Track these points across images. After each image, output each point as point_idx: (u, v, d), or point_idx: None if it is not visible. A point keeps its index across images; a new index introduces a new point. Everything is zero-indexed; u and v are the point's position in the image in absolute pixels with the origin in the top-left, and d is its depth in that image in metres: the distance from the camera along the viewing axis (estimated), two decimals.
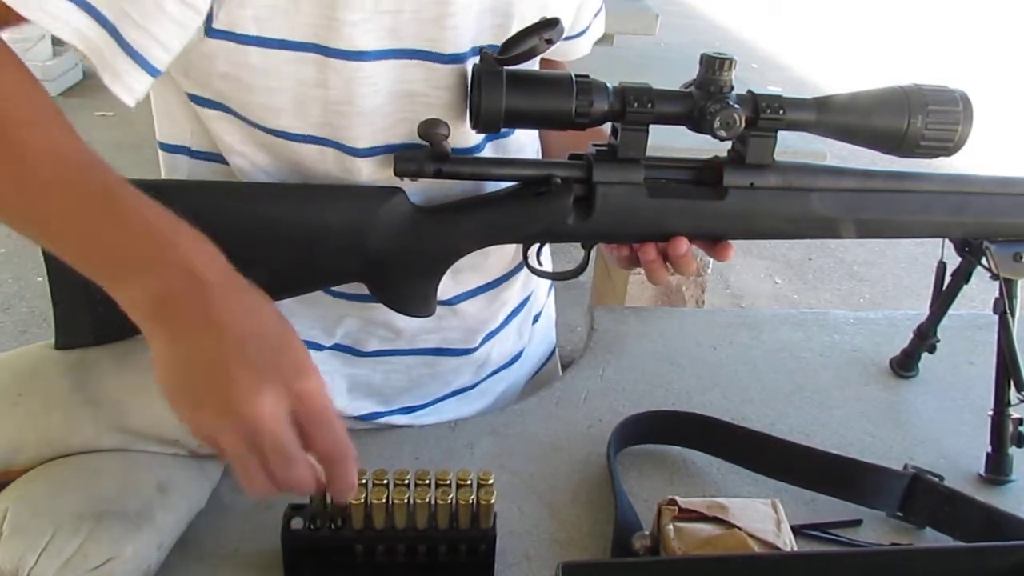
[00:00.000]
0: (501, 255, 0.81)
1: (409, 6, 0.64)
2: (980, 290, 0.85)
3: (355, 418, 0.84)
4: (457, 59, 0.68)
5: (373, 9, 0.63)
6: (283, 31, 0.62)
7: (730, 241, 0.73)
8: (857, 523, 0.75)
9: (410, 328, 0.80)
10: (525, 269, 0.81)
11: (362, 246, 0.68)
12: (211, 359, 0.49)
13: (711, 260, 0.71)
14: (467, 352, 0.86)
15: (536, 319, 0.96)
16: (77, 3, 0.54)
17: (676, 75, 0.71)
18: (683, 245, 0.70)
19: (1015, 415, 0.82)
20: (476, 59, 0.67)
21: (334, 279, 0.73)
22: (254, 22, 0.61)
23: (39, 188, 0.53)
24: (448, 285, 0.79)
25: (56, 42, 4.43)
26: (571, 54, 0.88)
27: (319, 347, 0.81)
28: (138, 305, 0.50)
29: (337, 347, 0.81)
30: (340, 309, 0.78)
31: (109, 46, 0.56)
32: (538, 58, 0.73)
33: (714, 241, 0.73)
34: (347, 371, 0.83)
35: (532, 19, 0.70)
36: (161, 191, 0.55)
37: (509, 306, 0.88)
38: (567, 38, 0.81)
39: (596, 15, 0.87)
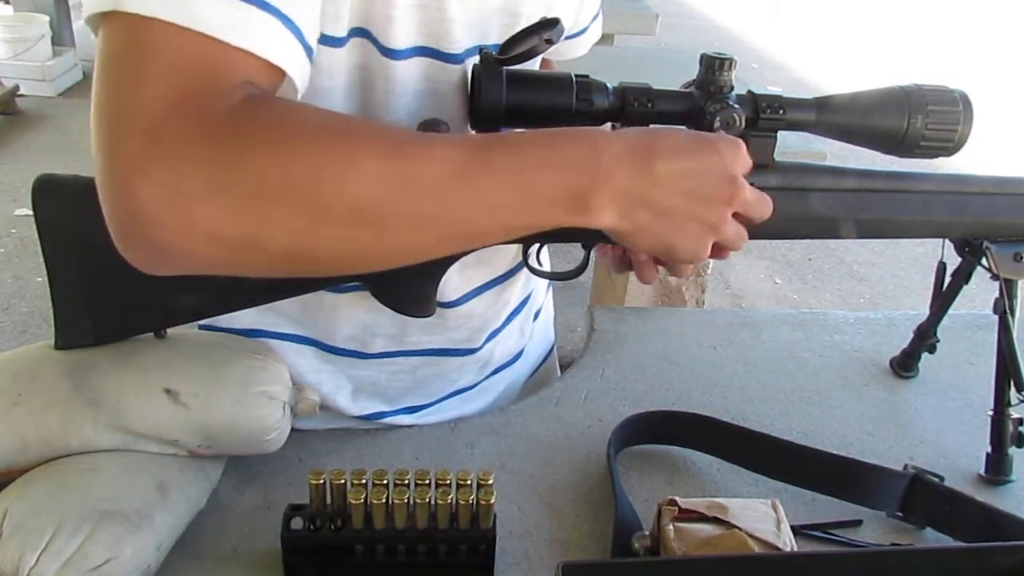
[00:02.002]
0: (506, 250, 0.81)
1: (434, 3, 0.64)
2: (980, 290, 0.86)
3: (359, 418, 0.84)
4: (470, 58, 0.68)
5: (407, 3, 0.63)
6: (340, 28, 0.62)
7: None
8: (857, 523, 0.75)
9: (415, 327, 0.80)
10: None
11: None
12: (662, 231, 0.60)
13: (711, 260, 0.70)
14: (471, 352, 0.86)
15: (536, 316, 0.97)
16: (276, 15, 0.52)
17: (676, 75, 0.71)
18: None
19: (1015, 415, 0.82)
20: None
21: (334, 279, 0.73)
22: (335, 20, 0.61)
23: (442, 205, 0.54)
24: (456, 283, 0.79)
25: (56, 42, 4.43)
26: (568, 54, 0.88)
27: (325, 347, 0.81)
28: (599, 216, 0.58)
29: (343, 351, 0.81)
30: (344, 310, 0.78)
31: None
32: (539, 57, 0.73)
33: None
34: (353, 372, 0.83)
35: (536, 19, 0.70)
36: None
37: (512, 304, 0.88)
38: (566, 37, 0.81)
39: (595, 18, 0.87)
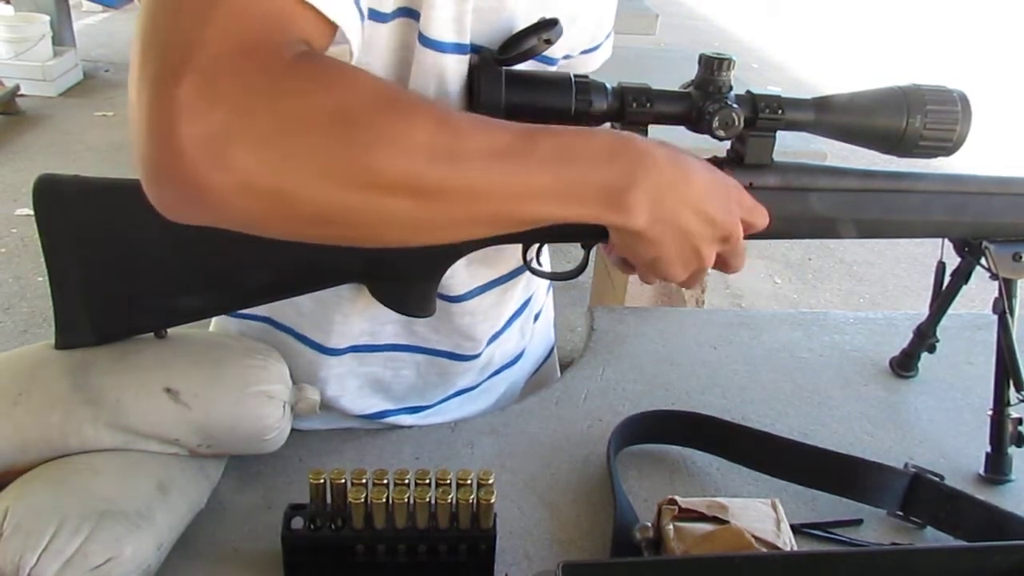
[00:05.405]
0: (513, 250, 0.81)
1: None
2: (980, 290, 0.86)
3: (363, 417, 0.84)
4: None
5: None
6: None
7: None
8: (858, 522, 0.76)
9: (420, 322, 0.80)
10: None
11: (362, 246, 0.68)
12: (687, 233, 0.62)
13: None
14: (474, 357, 0.86)
15: (536, 318, 0.97)
16: None
17: (676, 75, 0.71)
18: None
19: (1015, 415, 0.82)
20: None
21: (334, 279, 0.73)
22: None
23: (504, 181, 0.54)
24: (462, 277, 0.78)
25: (56, 42, 4.44)
26: (579, 69, 0.88)
27: (327, 350, 0.81)
28: (635, 217, 0.58)
29: (352, 347, 0.81)
30: (359, 302, 0.78)
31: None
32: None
33: None
34: (361, 370, 0.83)
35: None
36: None
37: (513, 304, 0.88)
38: (583, 52, 0.81)
39: (608, 36, 0.87)
